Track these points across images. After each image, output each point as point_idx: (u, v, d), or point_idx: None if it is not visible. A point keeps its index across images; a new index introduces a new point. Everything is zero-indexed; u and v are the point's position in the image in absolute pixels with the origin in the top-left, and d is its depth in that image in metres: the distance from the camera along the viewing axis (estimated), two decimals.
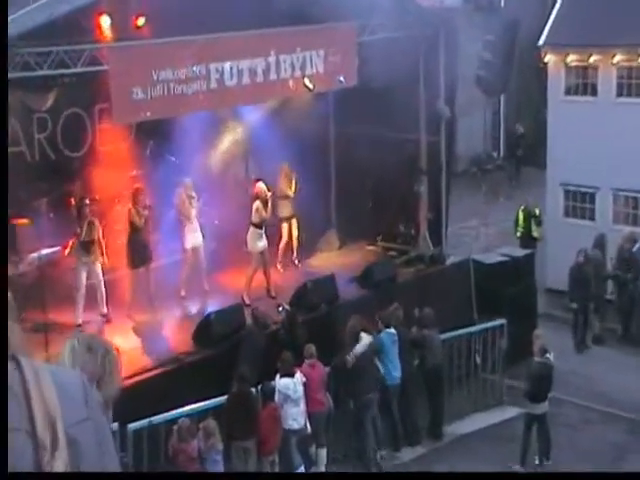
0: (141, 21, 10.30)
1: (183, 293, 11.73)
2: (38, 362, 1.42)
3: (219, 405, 9.31)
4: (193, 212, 11.59)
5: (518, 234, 15.89)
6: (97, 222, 10.80)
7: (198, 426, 8.85)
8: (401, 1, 12.27)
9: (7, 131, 1.05)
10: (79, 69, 9.21)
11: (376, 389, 10.30)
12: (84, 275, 10.61)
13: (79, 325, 10.54)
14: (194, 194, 11.60)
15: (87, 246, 10.62)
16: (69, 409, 1.39)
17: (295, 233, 12.88)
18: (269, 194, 11.83)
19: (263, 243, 11.78)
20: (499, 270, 13.19)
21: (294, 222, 12.86)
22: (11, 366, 1.37)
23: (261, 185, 11.89)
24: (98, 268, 10.77)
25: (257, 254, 11.75)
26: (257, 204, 11.71)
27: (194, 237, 11.63)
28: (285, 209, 12.74)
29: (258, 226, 11.71)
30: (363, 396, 10.20)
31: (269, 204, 11.80)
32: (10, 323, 1.38)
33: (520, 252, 14.03)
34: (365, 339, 10.16)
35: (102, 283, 10.77)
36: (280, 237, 12.79)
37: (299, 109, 12.96)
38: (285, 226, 12.83)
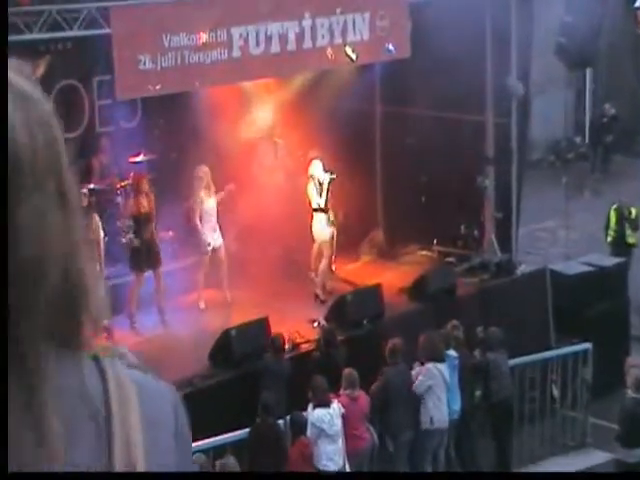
0: None
1: (202, 305, 11.91)
2: (119, 365, 1.23)
3: (239, 439, 9.43)
4: (210, 207, 11.75)
5: (609, 239, 15.80)
6: (97, 218, 11.01)
7: (214, 464, 8.97)
8: None
9: (7, 130, 1.12)
10: (76, 32, 9.41)
11: (411, 427, 10.35)
12: None
13: None
14: (212, 185, 11.77)
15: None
16: (155, 440, 1.19)
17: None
18: (324, 176, 12.18)
19: (326, 231, 12.28)
20: (583, 283, 13.11)
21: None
22: (89, 370, 1.18)
23: (316, 163, 12.25)
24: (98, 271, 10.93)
25: (323, 242, 12.29)
26: (310, 187, 12.19)
27: (211, 237, 11.83)
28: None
29: (319, 211, 12.21)
30: (399, 434, 10.28)
31: (324, 186, 12.20)
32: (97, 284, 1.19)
33: (609, 261, 13.95)
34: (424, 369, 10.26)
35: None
36: None
37: (339, 84, 13.04)
38: None
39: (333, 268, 13.20)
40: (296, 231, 12.49)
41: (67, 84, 11.30)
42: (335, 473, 9.56)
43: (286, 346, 10.63)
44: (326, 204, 12.29)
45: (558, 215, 16.69)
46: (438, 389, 10.37)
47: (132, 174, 11.54)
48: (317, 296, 12.35)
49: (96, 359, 1.20)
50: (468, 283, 13.02)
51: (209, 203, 11.75)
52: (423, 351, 10.40)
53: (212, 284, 12.06)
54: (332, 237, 12.49)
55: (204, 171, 11.72)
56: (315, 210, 12.32)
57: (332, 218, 12.45)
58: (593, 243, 16.03)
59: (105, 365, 1.20)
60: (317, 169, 12.26)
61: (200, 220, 11.72)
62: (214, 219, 11.82)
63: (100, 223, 10.95)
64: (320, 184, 12.21)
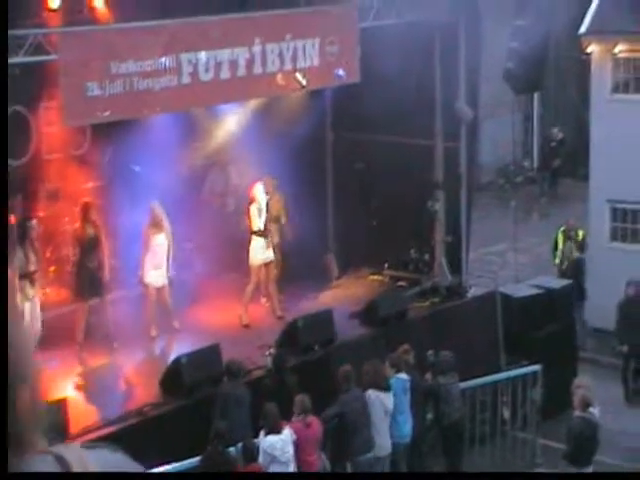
0: (98, 1, 10.41)
1: (153, 333, 11.73)
2: (84, 453, 1.28)
3: (191, 467, 9.31)
4: (157, 243, 11.57)
5: (557, 261, 15.99)
6: (39, 247, 10.82)
7: None
8: None
9: (7, 129, 1.05)
10: (22, 58, 9.27)
11: (372, 449, 10.31)
12: (27, 312, 10.57)
13: None
14: (163, 219, 11.59)
15: (32, 277, 10.62)
16: None
17: (280, 263, 12.97)
18: (266, 197, 12.15)
19: (265, 255, 12.21)
20: (532, 305, 13.22)
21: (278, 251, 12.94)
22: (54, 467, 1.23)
23: (258, 187, 12.22)
24: (38, 304, 10.77)
25: (257, 267, 12.16)
26: (252, 209, 12.12)
27: (155, 275, 11.62)
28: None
29: (258, 234, 12.14)
30: (359, 457, 10.23)
31: (267, 208, 12.19)
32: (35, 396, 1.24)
33: (557, 283, 14.10)
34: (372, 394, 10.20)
35: (40, 322, 10.76)
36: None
37: (289, 109, 13.05)
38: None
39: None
40: (247, 257, 12.40)
41: (13, 110, 11.14)
42: (334, 473, 9.49)
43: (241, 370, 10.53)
44: (265, 227, 12.24)
45: (507, 238, 16.86)
46: (376, 417, 10.32)
47: (81, 203, 11.39)
48: (280, 317, 12.29)
49: (58, 457, 1.25)
50: (419, 307, 13.03)
51: (156, 239, 11.56)
52: (365, 379, 10.37)
53: (161, 315, 11.87)
54: (271, 260, 12.40)
55: (152, 207, 11.51)
56: (254, 233, 12.22)
57: (270, 241, 12.35)
58: (541, 265, 16.19)
59: (69, 460, 1.24)
60: (259, 192, 12.24)
61: (145, 255, 11.54)
62: (159, 256, 11.56)
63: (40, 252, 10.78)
64: (259, 207, 12.19)
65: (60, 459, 1.24)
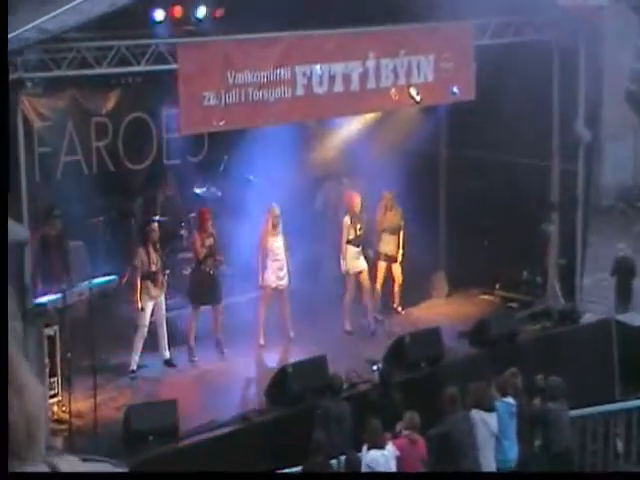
0: (219, 13, 10.77)
1: (262, 341, 11.90)
2: (79, 468, 1.42)
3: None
4: (277, 245, 11.81)
5: None
6: (159, 249, 11.19)
7: None
8: None
9: (8, 130, 1.16)
10: (143, 67, 9.67)
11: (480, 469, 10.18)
12: (149, 312, 10.98)
13: (133, 370, 10.92)
14: (280, 224, 11.81)
15: (155, 276, 10.98)
16: None
17: (399, 275, 13.06)
18: (359, 206, 12.32)
19: (357, 264, 12.32)
20: None
21: (397, 262, 13.04)
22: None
23: (353, 195, 12.39)
24: (163, 303, 11.13)
25: (350, 276, 12.30)
26: (346, 218, 12.28)
27: (276, 275, 11.85)
28: (388, 245, 12.92)
29: (352, 243, 12.24)
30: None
31: (362, 219, 12.35)
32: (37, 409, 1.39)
33: None
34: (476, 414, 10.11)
35: (165, 321, 11.13)
36: (376, 278, 12.97)
37: (402, 125, 13.16)
38: (383, 265, 13.01)
39: (400, 309, 13.20)
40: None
41: (136, 117, 11.57)
42: (335, 473, 9.46)
43: (343, 386, 10.60)
44: (358, 236, 12.31)
45: None
46: (481, 438, 10.18)
47: (199, 210, 11.71)
48: (344, 328, 12.40)
49: (52, 466, 1.40)
50: (529, 330, 12.85)
51: (275, 242, 11.80)
52: (470, 398, 10.27)
53: (275, 322, 12.05)
54: (363, 269, 12.49)
55: (270, 210, 11.74)
56: (348, 242, 12.33)
57: (362, 250, 12.45)
58: None
59: (62, 470, 1.39)
60: (355, 202, 12.38)
61: (265, 258, 11.77)
62: (280, 258, 11.82)
63: (161, 256, 11.15)
64: (356, 218, 12.32)
65: (54, 468, 1.39)
